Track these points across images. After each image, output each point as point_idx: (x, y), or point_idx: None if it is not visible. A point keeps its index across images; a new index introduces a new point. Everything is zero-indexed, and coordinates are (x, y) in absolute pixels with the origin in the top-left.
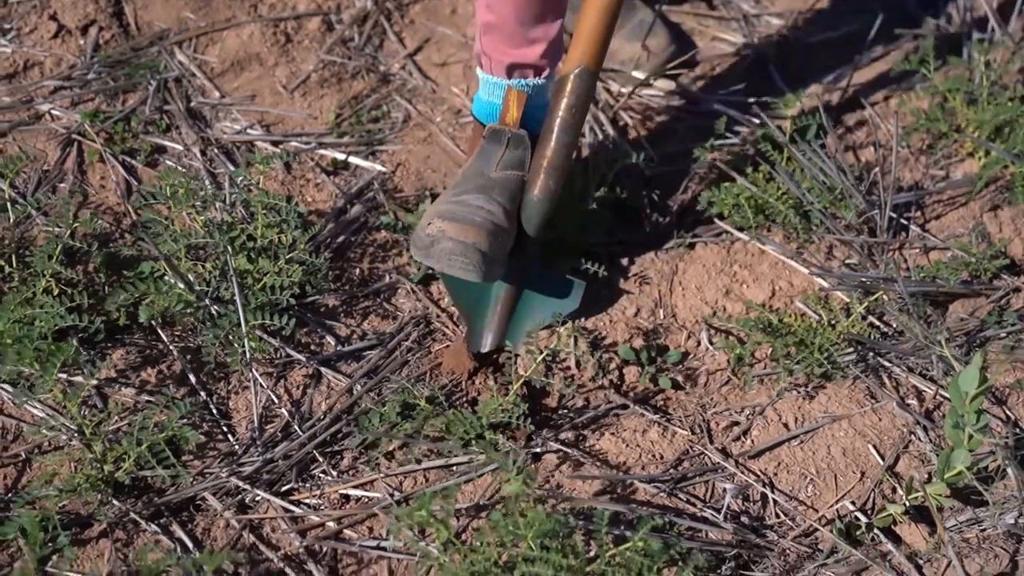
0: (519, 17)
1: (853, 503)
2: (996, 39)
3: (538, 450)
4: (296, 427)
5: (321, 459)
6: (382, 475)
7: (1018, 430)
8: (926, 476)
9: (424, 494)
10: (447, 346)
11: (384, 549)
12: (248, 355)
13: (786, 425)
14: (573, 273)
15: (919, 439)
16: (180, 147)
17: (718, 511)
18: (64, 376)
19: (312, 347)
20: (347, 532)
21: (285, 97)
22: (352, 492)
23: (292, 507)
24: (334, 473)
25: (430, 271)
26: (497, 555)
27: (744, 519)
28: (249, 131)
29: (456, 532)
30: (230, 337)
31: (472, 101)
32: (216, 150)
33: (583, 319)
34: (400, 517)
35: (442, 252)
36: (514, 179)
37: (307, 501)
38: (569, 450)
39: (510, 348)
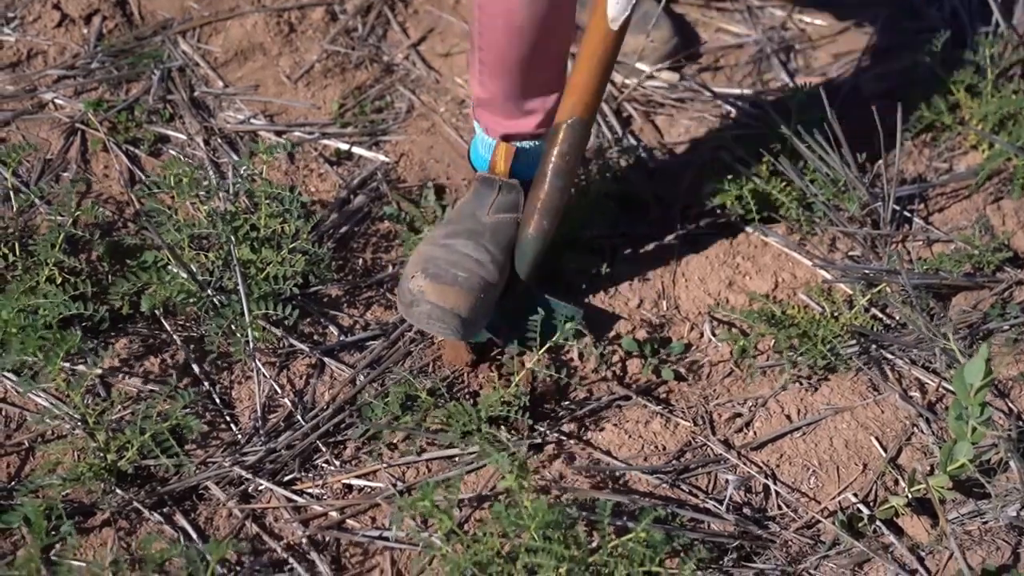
0: (514, 94)
1: (855, 495)
2: (1000, 32)
3: (539, 441)
4: (299, 417)
5: (324, 449)
6: (384, 465)
7: (1021, 423)
8: (928, 468)
9: (427, 484)
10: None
11: (387, 539)
12: (251, 345)
13: (788, 417)
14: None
15: (922, 431)
16: (183, 137)
17: (720, 502)
18: (67, 365)
19: (315, 337)
20: (350, 522)
21: (289, 87)
22: (355, 482)
23: (295, 497)
24: (337, 463)
25: None
26: (499, 545)
27: (746, 511)
28: (252, 121)
29: (459, 522)
30: (233, 327)
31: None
32: (219, 140)
33: (586, 310)
34: (403, 507)
35: (421, 314)
36: (507, 222)
37: (310, 491)
38: (571, 441)
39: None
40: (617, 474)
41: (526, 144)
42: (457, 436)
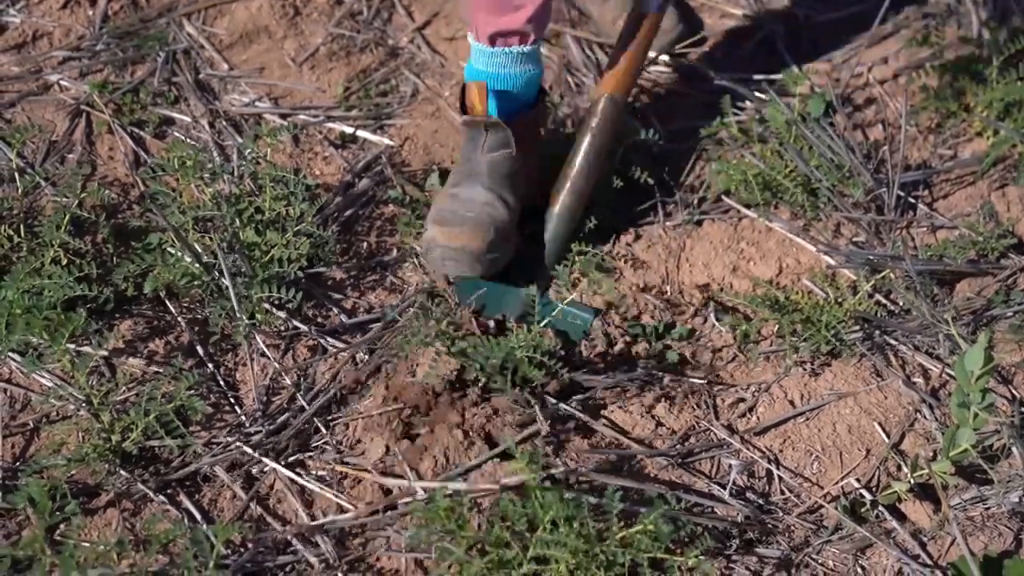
0: None
1: (858, 480)
2: (1006, 18)
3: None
4: (301, 399)
5: (326, 431)
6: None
7: (1023, 409)
8: (931, 454)
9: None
10: None
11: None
12: (256, 325)
13: (792, 402)
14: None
15: (924, 417)
16: (188, 119)
17: (724, 487)
18: (72, 346)
19: (319, 320)
20: (353, 503)
21: (294, 70)
22: (357, 461)
23: (299, 478)
24: (340, 444)
25: None
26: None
27: (749, 495)
28: (257, 104)
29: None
30: (236, 310)
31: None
32: (224, 122)
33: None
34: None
35: (436, 259)
36: (501, 158)
37: (314, 472)
38: (576, 424)
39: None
40: (622, 457)
41: (518, 49)
42: (474, 369)
